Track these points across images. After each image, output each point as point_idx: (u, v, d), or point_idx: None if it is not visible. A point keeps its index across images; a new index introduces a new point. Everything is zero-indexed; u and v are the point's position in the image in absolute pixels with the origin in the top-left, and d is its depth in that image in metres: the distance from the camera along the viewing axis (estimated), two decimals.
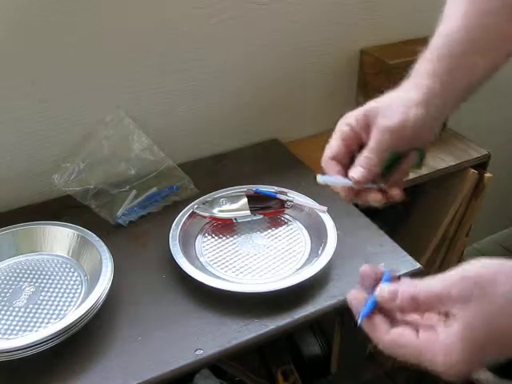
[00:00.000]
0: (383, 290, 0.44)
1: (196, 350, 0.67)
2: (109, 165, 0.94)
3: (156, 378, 0.64)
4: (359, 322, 0.45)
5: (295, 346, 1.09)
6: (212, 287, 0.73)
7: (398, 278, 0.47)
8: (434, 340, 0.41)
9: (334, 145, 0.57)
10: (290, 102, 1.15)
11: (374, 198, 0.57)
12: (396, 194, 0.57)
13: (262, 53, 1.06)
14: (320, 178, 0.57)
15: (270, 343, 1.01)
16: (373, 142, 0.55)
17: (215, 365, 1.01)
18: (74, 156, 0.94)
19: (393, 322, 0.45)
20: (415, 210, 1.27)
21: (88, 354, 0.67)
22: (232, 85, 1.06)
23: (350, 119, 0.57)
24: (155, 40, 0.94)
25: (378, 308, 0.45)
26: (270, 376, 1.07)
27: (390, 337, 0.44)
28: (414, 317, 0.45)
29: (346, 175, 0.56)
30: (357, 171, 0.55)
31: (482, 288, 0.39)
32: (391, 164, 0.57)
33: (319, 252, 0.79)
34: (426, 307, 0.42)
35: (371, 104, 0.58)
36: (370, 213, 0.90)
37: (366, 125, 0.56)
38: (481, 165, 1.16)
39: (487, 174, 1.15)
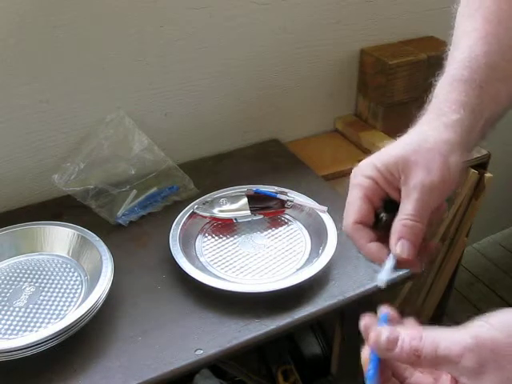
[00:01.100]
0: (380, 336, 0.37)
1: (196, 350, 0.67)
2: (109, 165, 0.94)
3: (156, 377, 0.64)
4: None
5: (295, 345, 1.09)
6: (212, 287, 0.73)
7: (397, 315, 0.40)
8: None
9: (356, 205, 0.46)
10: (290, 102, 1.15)
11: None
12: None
13: (262, 53, 1.06)
14: (381, 282, 0.45)
15: (270, 343, 1.01)
16: (412, 204, 0.44)
17: (215, 365, 1.01)
18: (74, 156, 0.94)
19: (402, 377, 0.40)
20: None
21: (88, 354, 0.67)
22: (232, 85, 1.06)
23: (369, 171, 0.46)
24: (155, 40, 0.94)
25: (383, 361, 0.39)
26: (270, 376, 1.07)
27: None
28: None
29: (374, 239, 0.46)
30: (402, 247, 0.44)
31: (499, 360, 0.34)
32: None
33: (319, 252, 0.79)
34: (430, 366, 0.37)
35: (395, 150, 0.46)
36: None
37: (393, 177, 0.46)
38: (481, 165, 1.16)
39: (487, 174, 1.15)
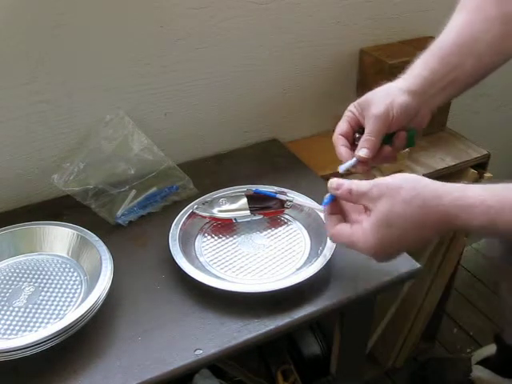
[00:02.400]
0: (333, 181, 0.64)
1: (195, 350, 0.67)
2: (108, 165, 0.94)
3: (156, 377, 0.64)
4: (322, 208, 0.68)
5: (295, 345, 1.09)
6: (212, 287, 0.73)
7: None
8: (360, 229, 0.60)
9: (341, 125, 0.75)
10: (290, 101, 1.15)
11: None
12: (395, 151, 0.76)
13: (262, 53, 1.06)
14: (341, 169, 0.73)
15: (270, 343, 1.01)
16: (370, 126, 0.71)
17: (215, 365, 1.01)
18: (73, 156, 0.94)
19: (345, 220, 0.65)
20: None
21: (88, 354, 0.67)
22: (232, 85, 1.06)
23: (351, 107, 0.75)
24: (155, 40, 0.94)
25: (336, 206, 0.66)
26: (269, 376, 1.07)
27: (334, 231, 0.64)
28: (359, 218, 0.63)
29: (350, 148, 0.74)
30: (362, 152, 0.71)
31: (391, 192, 0.58)
32: (386, 140, 0.73)
33: (319, 252, 0.79)
34: (356, 200, 0.61)
35: (366, 95, 0.73)
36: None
37: (362, 111, 0.73)
38: (481, 165, 1.16)
39: (487, 174, 1.15)
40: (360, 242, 0.60)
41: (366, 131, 0.71)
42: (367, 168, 0.73)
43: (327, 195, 0.66)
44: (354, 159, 0.72)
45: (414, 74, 0.72)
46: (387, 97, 0.70)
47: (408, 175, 0.60)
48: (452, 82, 0.71)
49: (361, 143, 0.71)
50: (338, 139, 0.74)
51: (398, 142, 0.73)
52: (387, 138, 0.73)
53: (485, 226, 0.54)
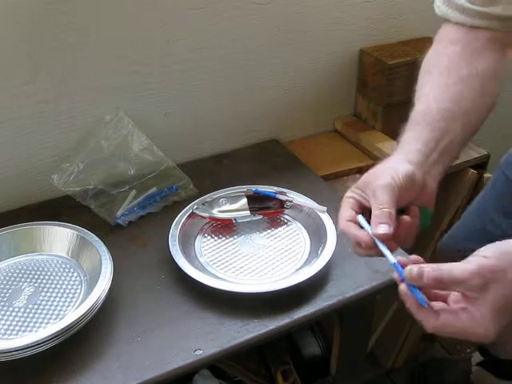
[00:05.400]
0: (412, 269, 0.54)
1: (195, 350, 0.67)
2: (108, 165, 0.94)
3: (155, 378, 0.64)
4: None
5: (295, 346, 1.09)
6: (211, 287, 0.73)
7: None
8: (472, 319, 0.53)
9: (344, 212, 0.66)
10: (290, 102, 1.15)
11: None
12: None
13: (262, 53, 1.06)
14: (394, 259, 0.59)
15: (270, 343, 1.01)
16: (379, 198, 0.62)
17: (214, 365, 1.01)
18: (73, 156, 0.94)
19: (429, 297, 0.56)
20: None
21: (88, 354, 0.67)
22: (232, 85, 1.06)
23: (349, 193, 0.67)
24: (155, 40, 0.94)
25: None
26: (269, 376, 1.07)
27: (440, 323, 0.55)
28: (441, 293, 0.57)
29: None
30: (381, 228, 0.60)
31: (497, 277, 0.51)
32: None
33: (319, 252, 0.79)
34: (448, 287, 0.54)
35: (363, 177, 0.67)
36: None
37: (364, 192, 0.65)
38: (480, 165, 1.16)
39: (487, 174, 1.15)
40: (480, 334, 0.54)
41: (376, 204, 0.62)
42: (394, 245, 0.62)
43: (406, 289, 0.55)
44: (382, 245, 0.60)
45: (408, 150, 0.66)
46: (389, 169, 0.65)
47: (506, 249, 0.53)
48: (447, 146, 0.68)
49: (373, 220, 0.62)
50: (348, 226, 0.64)
51: (414, 221, 0.64)
52: (399, 213, 0.63)
53: None
